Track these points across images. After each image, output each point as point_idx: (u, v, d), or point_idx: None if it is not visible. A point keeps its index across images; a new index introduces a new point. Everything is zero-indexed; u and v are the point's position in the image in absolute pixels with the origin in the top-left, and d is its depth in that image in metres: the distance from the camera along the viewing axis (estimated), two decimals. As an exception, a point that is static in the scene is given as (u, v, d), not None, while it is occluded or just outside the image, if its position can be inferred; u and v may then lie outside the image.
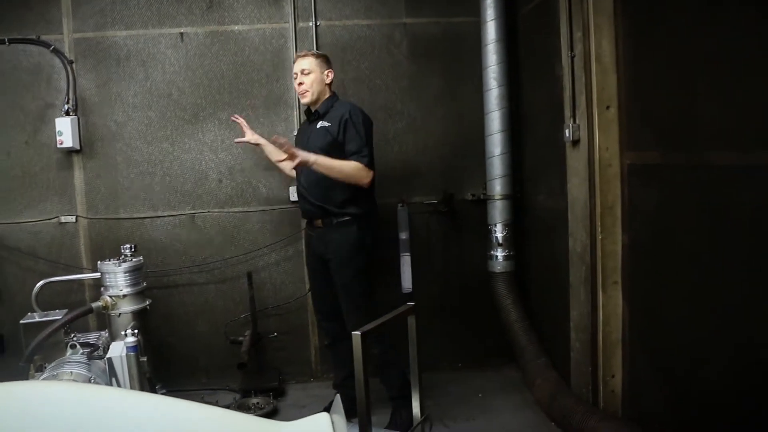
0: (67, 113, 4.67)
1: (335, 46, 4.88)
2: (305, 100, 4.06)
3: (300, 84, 4.01)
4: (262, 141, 4.44)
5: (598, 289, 3.65)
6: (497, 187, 4.77)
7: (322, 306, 4.25)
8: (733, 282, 2.68)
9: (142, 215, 4.88)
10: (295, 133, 4.82)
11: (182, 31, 4.81)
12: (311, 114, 4.10)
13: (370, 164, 3.89)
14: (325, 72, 4.03)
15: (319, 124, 3.97)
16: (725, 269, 2.74)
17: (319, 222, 4.03)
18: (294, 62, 4.09)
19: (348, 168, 3.83)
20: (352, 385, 4.16)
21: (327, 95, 4.06)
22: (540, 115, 4.60)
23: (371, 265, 4.08)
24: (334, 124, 3.89)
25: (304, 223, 4.43)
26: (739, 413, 2.68)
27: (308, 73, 3.98)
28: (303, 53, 4.07)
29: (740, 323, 2.65)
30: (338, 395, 2.34)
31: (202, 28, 4.83)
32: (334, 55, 4.84)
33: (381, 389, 4.11)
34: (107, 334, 4.12)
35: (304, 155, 3.76)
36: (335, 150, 3.88)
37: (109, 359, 3.48)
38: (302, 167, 3.91)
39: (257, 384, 4.65)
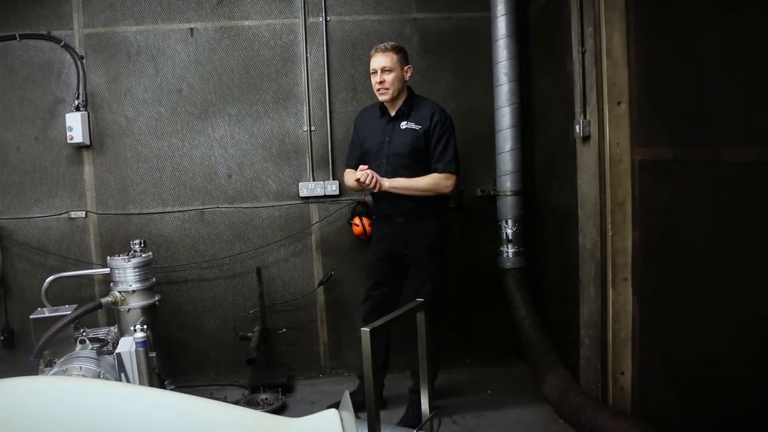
0: (77, 108, 4.68)
1: (345, 42, 4.88)
2: (384, 98, 3.94)
3: (381, 82, 3.89)
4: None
5: (608, 285, 3.64)
6: (507, 183, 4.76)
7: (378, 298, 4.07)
8: (745, 279, 2.66)
9: (152, 211, 4.88)
10: (305, 128, 4.83)
11: (192, 26, 4.81)
12: (386, 111, 4.02)
13: (457, 170, 3.90)
14: (405, 68, 3.93)
15: (404, 124, 3.92)
16: (737, 266, 2.71)
17: (400, 219, 3.98)
18: (372, 56, 3.96)
19: (429, 184, 3.85)
20: (378, 376, 4.17)
21: (406, 92, 3.98)
22: (550, 111, 4.58)
23: (448, 263, 4.14)
24: (425, 126, 3.86)
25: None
26: (750, 411, 2.66)
27: (389, 71, 3.86)
28: (383, 47, 3.91)
29: (752, 320, 2.62)
30: (347, 392, 2.33)
31: (212, 24, 4.82)
32: (344, 50, 4.87)
33: (395, 385, 4.11)
34: (116, 330, 4.13)
35: (384, 185, 3.81)
36: (424, 154, 3.89)
37: (119, 355, 3.49)
38: (383, 170, 3.92)
39: (266, 380, 4.65)
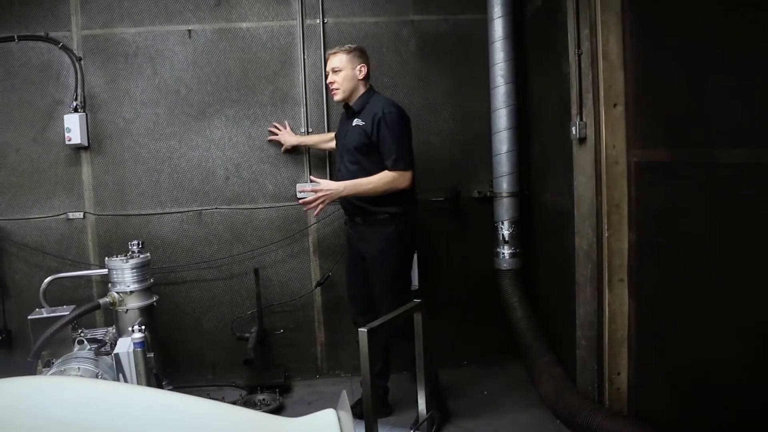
0: (76, 110, 4.67)
1: (342, 44, 4.85)
2: (336, 98, 4.03)
3: (331, 83, 3.99)
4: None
5: (604, 286, 3.65)
6: (504, 184, 4.77)
7: (357, 301, 4.22)
8: (741, 280, 2.67)
9: (150, 212, 4.89)
10: (303, 130, 4.86)
11: (190, 28, 4.82)
12: (348, 109, 4.07)
13: (406, 167, 3.86)
14: (358, 67, 3.97)
15: (355, 121, 3.96)
16: (732, 267, 2.73)
17: (358, 219, 4.03)
18: (326, 60, 4.08)
19: (380, 183, 3.84)
20: (378, 384, 4.18)
21: (362, 90, 4.02)
22: (547, 113, 4.59)
23: (409, 262, 4.12)
24: (368, 123, 3.87)
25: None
26: (747, 411, 2.68)
27: (339, 71, 3.95)
28: (334, 50, 4.01)
29: (748, 321, 2.64)
30: (344, 392, 2.34)
31: (210, 25, 4.83)
32: (341, 52, 4.86)
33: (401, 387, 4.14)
34: (114, 330, 4.13)
35: (333, 191, 3.85)
36: (371, 149, 3.88)
37: (117, 355, 3.50)
38: (338, 166, 4.03)
39: (263, 380, 4.66)
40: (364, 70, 4.00)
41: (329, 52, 4.05)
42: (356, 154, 3.94)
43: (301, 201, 4.01)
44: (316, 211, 3.95)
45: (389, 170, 3.84)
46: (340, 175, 4.06)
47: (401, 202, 3.93)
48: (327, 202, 3.90)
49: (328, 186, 3.90)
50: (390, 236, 3.92)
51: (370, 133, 3.85)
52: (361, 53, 4.02)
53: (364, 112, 3.94)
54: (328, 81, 4.04)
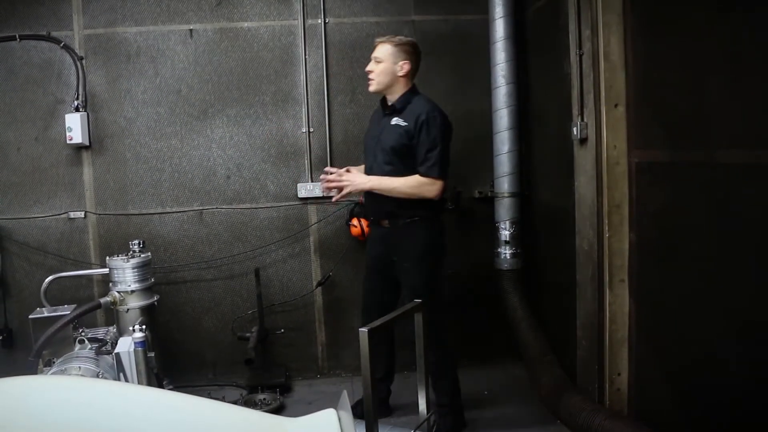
0: (77, 109, 4.68)
1: (344, 44, 4.89)
2: (370, 89, 3.88)
3: (368, 72, 3.83)
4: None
5: (605, 287, 3.65)
6: (505, 184, 4.77)
7: (374, 306, 3.99)
8: (741, 280, 2.68)
9: (151, 211, 4.89)
10: (304, 130, 4.86)
11: (192, 27, 4.82)
12: (386, 106, 3.90)
13: (439, 175, 3.71)
14: (399, 63, 3.76)
15: (394, 120, 3.79)
16: (733, 268, 2.73)
17: (385, 222, 3.90)
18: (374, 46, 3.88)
19: (406, 185, 3.71)
20: (381, 387, 4.15)
21: (403, 88, 3.83)
22: (548, 113, 4.60)
23: (441, 267, 3.99)
24: (411, 124, 3.70)
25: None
26: (746, 411, 2.68)
27: (379, 62, 3.78)
28: (382, 39, 3.82)
29: (748, 321, 2.64)
30: (345, 392, 2.34)
31: (212, 25, 4.84)
32: (343, 52, 4.88)
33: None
34: (115, 330, 4.14)
35: (358, 183, 3.75)
36: (407, 152, 3.74)
37: (117, 354, 3.50)
38: (369, 164, 3.88)
39: (264, 380, 4.66)
40: (407, 67, 3.79)
41: (378, 39, 3.86)
42: (392, 155, 3.78)
43: (322, 177, 3.87)
44: (336, 197, 3.87)
45: (421, 175, 3.71)
46: (371, 174, 3.88)
47: (431, 206, 3.81)
48: (350, 190, 3.79)
49: (353, 178, 3.81)
50: (420, 243, 3.80)
51: (413, 135, 3.70)
52: (408, 49, 3.80)
53: (405, 112, 3.77)
54: (366, 69, 3.88)
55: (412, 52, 3.82)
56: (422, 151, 3.69)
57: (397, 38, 3.81)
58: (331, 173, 3.88)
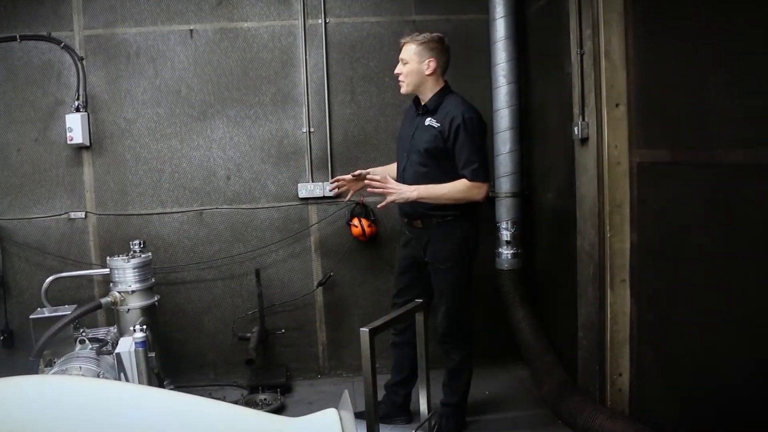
0: (77, 110, 4.68)
1: (344, 44, 4.88)
2: (401, 91, 3.79)
3: (397, 74, 3.75)
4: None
5: (606, 287, 3.65)
6: (505, 184, 4.76)
7: (402, 306, 3.81)
8: (743, 280, 2.67)
9: (151, 212, 4.89)
10: (304, 130, 4.85)
11: (191, 28, 4.82)
12: (419, 105, 3.81)
13: (485, 178, 3.64)
14: (426, 61, 3.66)
15: (428, 121, 3.70)
16: (735, 268, 2.72)
17: (418, 222, 3.82)
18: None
19: (454, 191, 3.61)
20: (399, 391, 4.11)
21: (434, 87, 3.74)
22: (549, 113, 4.59)
23: (472, 268, 3.93)
24: (445, 126, 3.61)
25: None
26: (748, 412, 2.68)
27: (405, 63, 3.69)
28: (406, 39, 3.73)
29: (750, 322, 2.64)
30: (346, 391, 2.34)
31: (212, 25, 4.83)
32: (343, 53, 4.87)
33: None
34: (116, 330, 4.14)
35: (405, 193, 3.61)
36: (443, 154, 3.66)
37: (118, 354, 3.50)
38: (403, 165, 3.81)
39: (265, 380, 4.66)
40: (433, 65, 3.67)
41: (402, 39, 3.77)
42: (426, 157, 3.70)
43: (368, 181, 3.67)
44: (380, 205, 3.76)
45: (468, 180, 3.61)
46: (406, 176, 3.80)
47: (466, 205, 3.73)
48: (394, 199, 3.63)
49: (399, 187, 3.67)
50: (454, 243, 3.75)
51: (446, 137, 3.61)
52: (434, 46, 3.69)
53: (439, 112, 3.68)
54: (395, 71, 3.79)
55: (438, 48, 3.71)
56: (464, 155, 3.61)
57: (421, 36, 3.71)
58: (365, 176, 3.76)
